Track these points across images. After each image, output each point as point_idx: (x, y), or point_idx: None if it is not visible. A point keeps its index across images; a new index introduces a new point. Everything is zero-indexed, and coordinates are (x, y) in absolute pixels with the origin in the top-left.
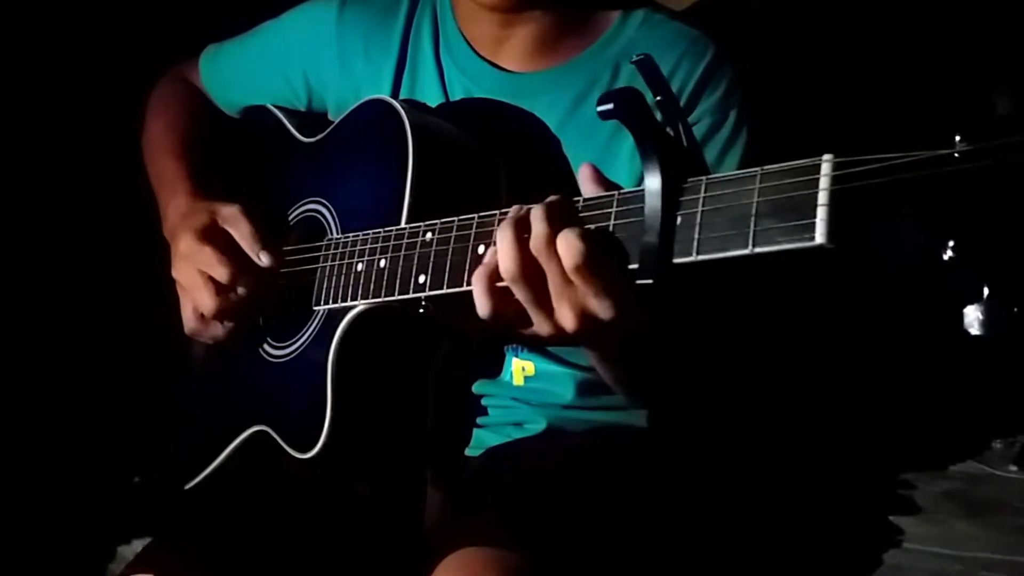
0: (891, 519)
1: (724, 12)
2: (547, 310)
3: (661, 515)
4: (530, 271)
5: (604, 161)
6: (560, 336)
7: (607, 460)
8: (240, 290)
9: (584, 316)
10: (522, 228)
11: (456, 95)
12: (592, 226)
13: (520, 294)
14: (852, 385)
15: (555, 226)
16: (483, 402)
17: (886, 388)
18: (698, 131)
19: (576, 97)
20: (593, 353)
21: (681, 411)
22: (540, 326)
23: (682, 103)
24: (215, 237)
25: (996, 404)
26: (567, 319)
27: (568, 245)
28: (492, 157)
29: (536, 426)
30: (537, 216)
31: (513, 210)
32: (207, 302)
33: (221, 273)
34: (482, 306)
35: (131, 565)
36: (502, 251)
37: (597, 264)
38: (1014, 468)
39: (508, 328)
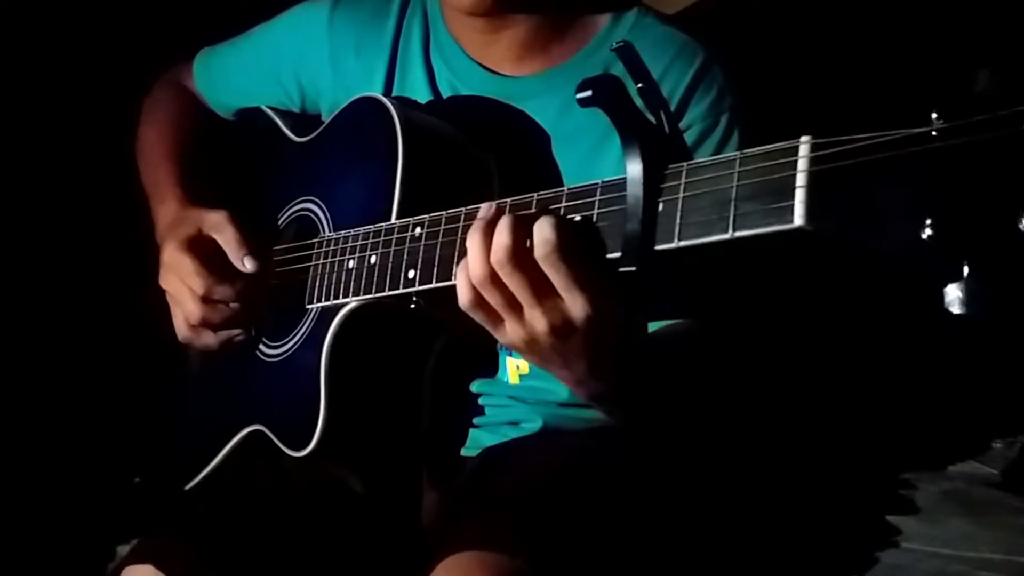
0: (891, 519)
1: (710, 9)
2: (518, 314)
3: (659, 515)
4: (497, 278)
5: (592, 165)
6: (533, 341)
7: (603, 460)
8: (222, 299)
9: (556, 319)
10: (491, 232)
11: (446, 96)
12: (568, 216)
13: (490, 298)
14: (851, 385)
15: (520, 235)
16: (480, 401)
17: (886, 387)
18: (690, 136)
19: (565, 101)
20: (568, 373)
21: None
22: (512, 328)
23: (672, 109)
24: (199, 247)
25: (996, 404)
26: (539, 322)
27: (541, 235)
28: (482, 153)
29: (532, 425)
30: (503, 227)
31: (482, 210)
32: (192, 311)
33: (198, 284)
34: (462, 298)
35: (129, 556)
36: (470, 254)
37: (569, 253)
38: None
39: (483, 325)
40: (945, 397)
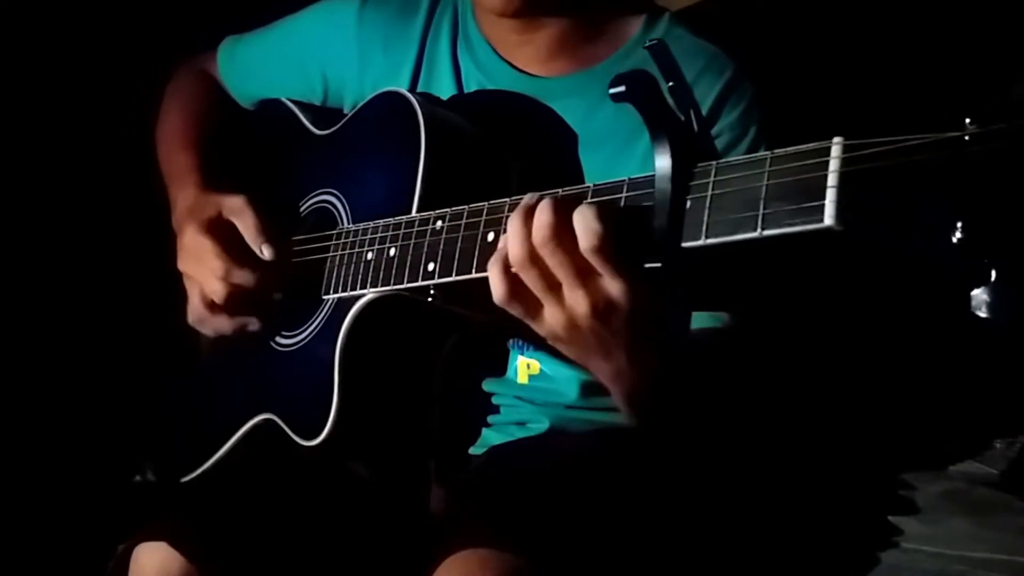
0: (891, 519)
1: (731, 8)
2: (558, 297)
3: (661, 515)
4: (538, 258)
5: (613, 169)
6: (574, 325)
7: (608, 461)
8: (241, 283)
9: (598, 299)
10: (532, 216)
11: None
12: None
13: (530, 281)
14: (852, 385)
15: (562, 216)
16: (493, 400)
17: (887, 388)
18: (718, 144)
19: (591, 105)
20: (608, 365)
21: (690, 424)
22: (552, 314)
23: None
24: (219, 230)
25: (996, 404)
26: (580, 304)
27: (585, 225)
28: (504, 148)
29: (539, 425)
30: (545, 206)
31: (526, 198)
32: (216, 288)
33: (218, 266)
34: (497, 291)
35: (143, 533)
36: (511, 237)
37: (613, 244)
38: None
39: (521, 318)
40: (945, 397)
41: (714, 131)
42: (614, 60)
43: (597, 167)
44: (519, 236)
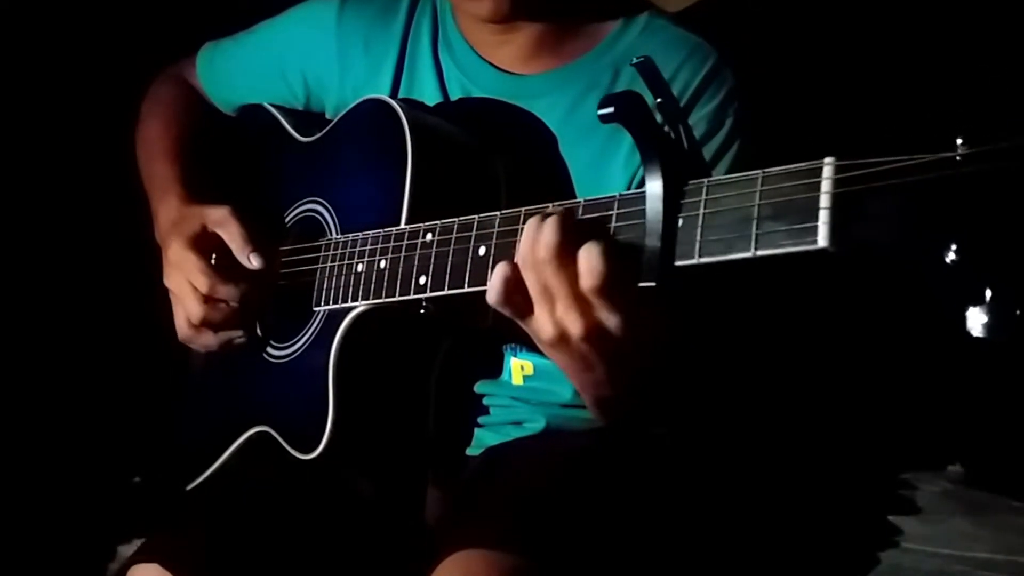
0: (891, 519)
1: (724, 15)
2: (551, 307)
3: (660, 514)
4: (540, 266)
5: (600, 162)
6: (560, 339)
7: (605, 459)
8: (225, 298)
9: (591, 325)
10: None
11: (455, 95)
12: (607, 239)
13: (528, 282)
14: (852, 385)
15: (567, 238)
16: (484, 402)
17: (886, 388)
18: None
19: (574, 100)
20: (590, 376)
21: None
22: (542, 320)
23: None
24: (204, 245)
25: (993, 407)
26: (573, 324)
27: (590, 266)
28: (491, 156)
29: (535, 425)
30: (552, 225)
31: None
32: (194, 310)
33: (202, 282)
34: (492, 292)
35: (135, 554)
36: (524, 236)
37: (614, 284)
38: None
39: (511, 317)
40: (944, 398)
41: (690, 120)
42: (594, 55)
43: (583, 162)
44: (528, 239)
